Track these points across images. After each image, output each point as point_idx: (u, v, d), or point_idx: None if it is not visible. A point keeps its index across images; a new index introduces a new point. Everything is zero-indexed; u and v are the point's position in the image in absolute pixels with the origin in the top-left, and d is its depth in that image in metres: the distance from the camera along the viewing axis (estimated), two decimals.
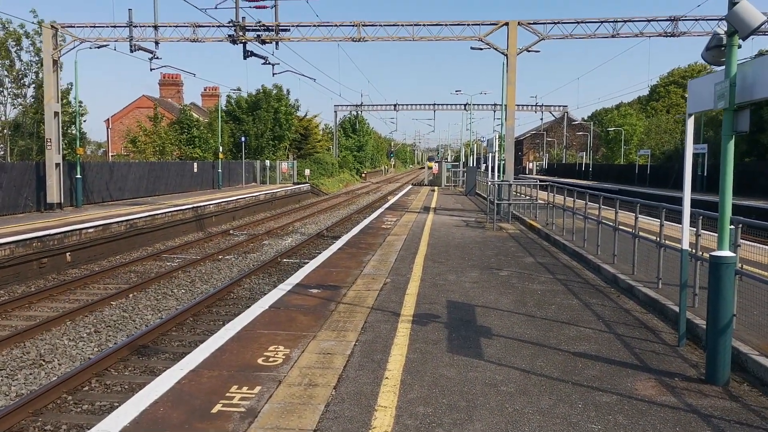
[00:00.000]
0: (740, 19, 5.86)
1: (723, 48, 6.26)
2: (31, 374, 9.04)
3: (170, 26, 24.62)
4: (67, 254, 17.26)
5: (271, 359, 6.72)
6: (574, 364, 6.73)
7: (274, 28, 23.92)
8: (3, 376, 8.94)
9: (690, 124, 7.38)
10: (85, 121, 34.01)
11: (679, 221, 7.34)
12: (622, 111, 79.58)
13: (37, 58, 28.75)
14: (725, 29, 6.25)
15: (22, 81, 29.64)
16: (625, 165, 66.93)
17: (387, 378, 6.19)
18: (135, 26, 24.28)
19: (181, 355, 8.70)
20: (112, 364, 9.16)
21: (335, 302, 9.44)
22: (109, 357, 9.20)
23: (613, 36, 24.08)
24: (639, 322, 8.58)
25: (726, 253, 6.21)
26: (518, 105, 73.62)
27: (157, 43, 24.52)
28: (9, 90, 29.55)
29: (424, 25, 24.53)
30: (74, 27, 25.08)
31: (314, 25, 24.45)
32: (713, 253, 6.26)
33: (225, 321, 10.25)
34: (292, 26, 24.28)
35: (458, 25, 24.44)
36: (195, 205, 27.05)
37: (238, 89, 51.07)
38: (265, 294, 10.58)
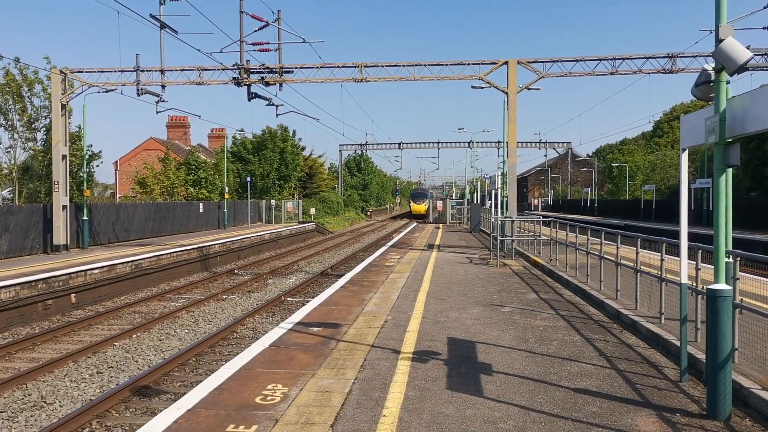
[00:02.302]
0: (727, 56, 5.97)
1: (712, 84, 6.37)
2: (32, 416, 9.01)
3: (176, 70, 25.09)
4: (72, 295, 17.31)
5: (269, 398, 6.70)
6: (574, 400, 6.69)
7: (277, 70, 24.35)
8: (3, 418, 8.91)
9: (684, 158, 7.47)
10: (99, 165, 34.45)
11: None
12: (625, 149, 80.00)
13: (48, 103, 29.26)
14: (713, 66, 6.36)
15: (33, 126, 30.15)
16: (630, 200, 66.92)
17: (385, 416, 6.16)
18: (142, 70, 24.74)
19: (182, 395, 8.66)
20: (114, 405, 9.13)
21: (335, 340, 9.43)
22: (110, 398, 9.18)
23: (612, 73, 24.35)
24: (641, 357, 8.52)
25: (722, 286, 6.21)
26: (522, 142, 74.25)
27: (163, 86, 24.95)
28: (20, 134, 30.05)
29: (425, 65, 24.91)
30: (83, 72, 25.59)
31: (317, 67, 24.86)
32: (709, 287, 6.26)
33: (227, 360, 10.20)
34: (295, 68, 24.69)
35: (458, 64, 24.82)
36: (200, 245, 27.17)
37: (242, 131, 51.66)
38: (267, 333, 10.57)
